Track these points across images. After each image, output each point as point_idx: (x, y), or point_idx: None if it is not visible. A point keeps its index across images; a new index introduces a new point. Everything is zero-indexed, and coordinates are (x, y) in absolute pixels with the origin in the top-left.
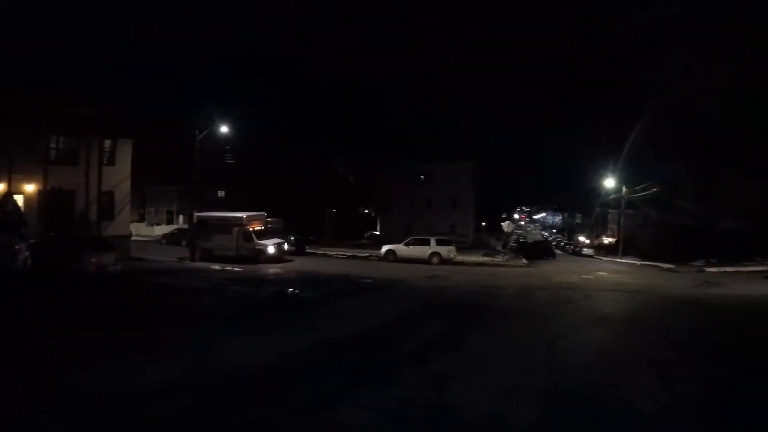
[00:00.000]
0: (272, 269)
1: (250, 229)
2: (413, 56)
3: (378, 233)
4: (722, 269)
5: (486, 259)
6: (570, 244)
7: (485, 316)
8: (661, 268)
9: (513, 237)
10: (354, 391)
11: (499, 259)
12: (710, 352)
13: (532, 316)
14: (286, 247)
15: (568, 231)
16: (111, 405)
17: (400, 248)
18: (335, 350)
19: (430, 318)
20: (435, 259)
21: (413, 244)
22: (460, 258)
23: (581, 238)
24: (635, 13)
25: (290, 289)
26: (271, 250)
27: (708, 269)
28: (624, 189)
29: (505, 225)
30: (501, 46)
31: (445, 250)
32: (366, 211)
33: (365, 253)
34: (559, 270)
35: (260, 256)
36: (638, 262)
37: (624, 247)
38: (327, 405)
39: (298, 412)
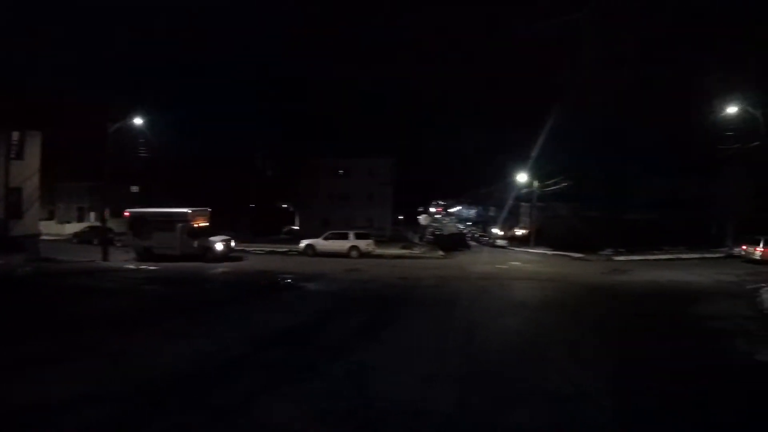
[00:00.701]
0: (219, 268)
1: (195, 226)
2: (336, 51)
3: (297, 228)
4: (629, 258)
5: (404, 251)
6: (485, 236)
7: (404, 307)
8: (571, 257)
9: (430, 230)
10: (277, 388)
11: (416, 251)
12: (619, 333)
13: (450, 305)
14: (233, 244)
15: (483, 223)
16: (15, 419)
17: (319, 243)
18: (257, 348)
19: (350, 311)
20: (354, 253)
21: (332, 239)
22: (378, 251)
23: (495, 230)
24: (548, 17)
25: (208, 286)
26: (219, 247)
27: (616, 258)
28: (536, 183)
29: (422, 218)
30: (419, 43)
31: (364, 244)
32: (284, 206)
33: (284, 249)
34: (475, 261)
35: (208, 253)
36: (549, 252)
37: (536, 238)
38: (251, 403)
39: (222, 413)
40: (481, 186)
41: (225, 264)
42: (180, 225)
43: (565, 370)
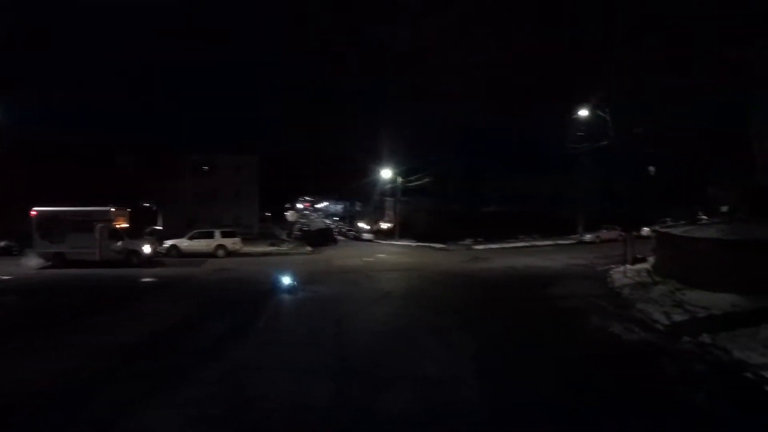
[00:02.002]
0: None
1: (117, 226)
2: (201, 45)
3: (160, 228)
4: (488, 246)
5: (272, 248)
6: (351, 230)
7: (274, 304)
8: (434, 248)
9: (297, 226)
10: (153, 396)
11: (284, 248)
12: (481, 317)
13: (320, 299)
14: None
15: (350, 218)
16: None
17: (184, 243)
18: (127, 356)
19: (220, 312)
20: (221, 252)
21: (197, 238)
22: (246, 249)
23: (362, 224)
24: (411, 22)
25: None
26: (147, 250)
27: (475, 247)
28: (399, 179)
29: (289, 214)
30: (286, 37)
31: (231, 242)
32: (147, 204)
33: None
34: (342, 255)
35: (133, 257)
36: (414, 244)
37: (401, 231)
38: (128, 414)
39: (98, 426)
40: (348, 181)
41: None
42: (100, 225)
43: (434, 356)
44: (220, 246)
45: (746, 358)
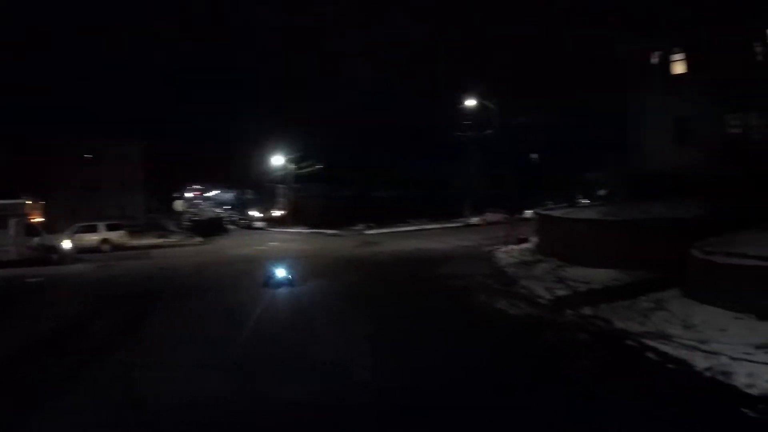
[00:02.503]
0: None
1: (32, 220)
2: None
3: (42, 220)
4: (379, 231)
5: (160, 240)
6: (243, 219)
7: (165, 299)
8: (326, 234)
9: (187, 216)
10: (39, 405)
11: (173, 239)
12: (374, 298)
13: (212, 291)
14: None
15: (241, 206)
16: None
17: (66, 238)
18: (9, 363)
19: (108, 310)
20: (106, 246)
21: (81, 232)
22: (133, 242)
23: (253, 213)
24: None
25: None
26: (67, 246)
27: (367, 232)
28: (291, 166)
29: (178, 204)
30: (166, 23)
31: (116, 235)
32: (27, 196)
33: None
34: (234, 244)
35: (52, 255)
36: (306, 231)
37: (293, 219)
38: (11, 426)
39: None
40: (239, 169)
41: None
42: (15, 220)
43: (331, 338)
44: (106, 240)
45: (626, 327)
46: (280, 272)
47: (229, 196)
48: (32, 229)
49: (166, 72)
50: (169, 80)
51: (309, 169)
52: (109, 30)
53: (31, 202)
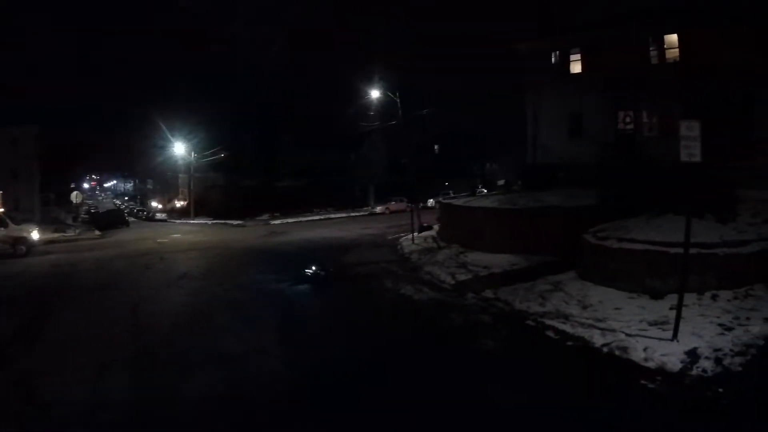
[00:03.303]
0: None
1: None
2: None
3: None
4: (284, 221)
5: (56, 235)
6: (143, 210)
7: (61, 298)
8: (231, 224)
9: (84, 208)
10: None
11: (70, 233)
12: (279, 287)
13: (112, 287)
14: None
15: (141, 197)
16: None
17: None
18: None
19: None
20: None
21: None
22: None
23: (154, 204)
24: None
25: None
26: (36, 236)
27: (272, 222)
28: (193, 154)
29: (74, 196)
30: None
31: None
32: None
33: None
34: (135, 237)
35: (20, 246)
36: (210, 222)
37: (196, 209)
38: None
39: None
40: (137, 157)
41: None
42: None
43: (236, 332)
44: None
45: (526, 308)
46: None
47: (127, 186)
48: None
49: (62, 54)
50: (65, 63)
51: (212, 158)
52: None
53: None
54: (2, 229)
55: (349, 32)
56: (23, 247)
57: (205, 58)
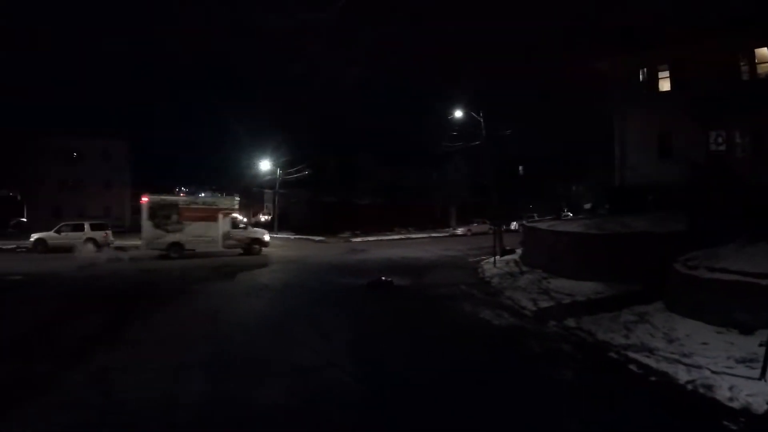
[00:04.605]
0: None
1: (236, 216)
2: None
3: (25, 220)
4: (365, 239)
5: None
6: None
7: (149, 301)
8: (313, 240)
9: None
10: (13, 408)
11: None
12: (359, 305)
13: (196, 294)
14: None
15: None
16: None
17: (51, 236)
18: None
19: (85, 313)
20: (90, 246)
21: (65, 231)
22: (118, 243)
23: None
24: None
25: None
26: (267, 238)
27: (353, 239)
28: (278, 171)
29: None
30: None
31: (101, 235)
32: (11, 194)
33: (11, 245)
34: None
35: (255, 246)
36: (293, 237)
37: (279, 224)
38: None
39: None
40: (225, 172)
41: None
42: (222, 215)
43: (313, 345)
44: (90, 239)
45: (609, 339)
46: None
47: None
48: (237, 223)
49: (156, 71)
50: (158, 80)
51: (296, 175)
52: (98, 29)
53: (237, 199)
54: (241, 230)
55: (433, 52)
56: (258, 247)
57: (289, 77)
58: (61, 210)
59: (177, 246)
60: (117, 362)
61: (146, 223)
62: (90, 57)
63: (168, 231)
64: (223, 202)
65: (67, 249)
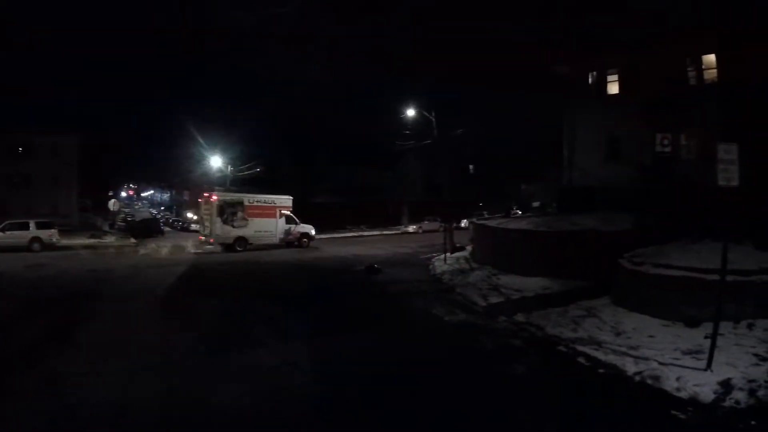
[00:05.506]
0: None
1: (289, 213)
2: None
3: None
4: (320, 236)
5: (93, 241)
6: (179, 221)
7: (96, 303)
8: None
9: (121, 216)
10: None
11: (107, 240)
12: (310, 302)
13: (144, 295)
14: None
15: (177, 208)
16: None
17: None
18: None
19: (34, 314)
20: (36, 245)
21: (9, 230)
22: (65, 242)
23: (189, 215)
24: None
25: None
26: (312, 233)
27: None
28: (230, 168)
29: (112, 203)
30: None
31: (47, 234)
32: None
33: None
34: (169, 246)
35: (304, 240)
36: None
37: None
38: None
39: None
40: (175, 169)
41: None
42: (279, 212)
43: (267, 344)
44: (36, 239)
45: (558, 333)
46: None
47: (164, 196)
48: (290, 219)
49: (104, 65)
50: (107, 73)
51: (249, 172)
52: (51, 20)
53: (291, 198)
54: (293, 226)
55: (386, 51)
56: (306, 240)
57: (243, 73)
58: (7, 207)
59: (242, 240)
60: (66, 367)
61: (216, 220)
62: (38, 51)
63: (234, 227)
64: (281, 200)
65: (11, 248)
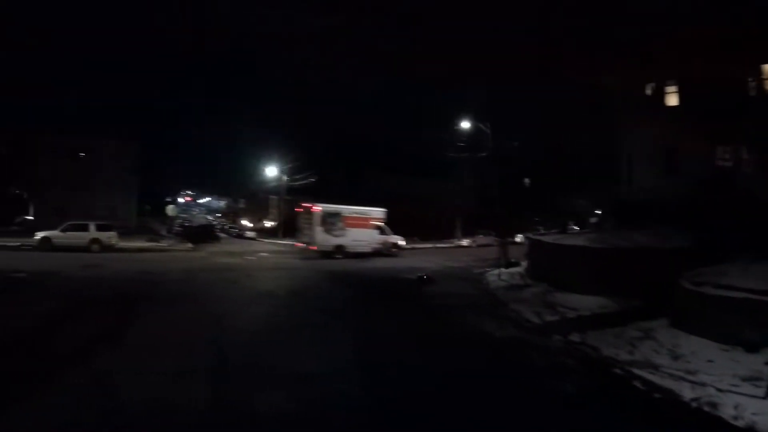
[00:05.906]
0: None
1: (381, 224)
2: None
3: (31, 218)
4: None
5: (150, 244)
6: (234, 228)
7: (149, 304)
8: None
9: (178, 221)
10: (12, 407)
11: (163, 244)
12: (361, 313)
13: (198, 298)
14: None
15: (233, 215)
16: None
17: (57, 235)
18: None
19: (89, 312)
20: (95, 246)
21: (71, 230)
22: (122, 244)
23: (245, 222)
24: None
25: None
26: (402, 243)
27: None
28: (284, 177)
29: (170, 209)
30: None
31: (106, 236)
32: (17, 191)
33: (16, 242)
34: (224, 252)
35: (394, 249)
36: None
37: (284, 230)
38: None
39: None
40: (232, 177)
41: None
42: (375, 223)
43: (314, 352)
44: (95, 240)
45: (614, 355)
46: None
47: (221, 203)
48: (382, 230)
49: (166, 75)
50: (168, 84)
51: (303, 182)
52: (113, 31)
53: (385, 211)
54: (385, 236)
55: (440, 63)
56: (396, 249)
57: (305, 83)
58: (67, 209)
59: (340, 248)
60: (118, 365)
61: (318, 229)
62: (99, 57)
63: (334, 236)
64: (374, 213)
65: (72, 248)
